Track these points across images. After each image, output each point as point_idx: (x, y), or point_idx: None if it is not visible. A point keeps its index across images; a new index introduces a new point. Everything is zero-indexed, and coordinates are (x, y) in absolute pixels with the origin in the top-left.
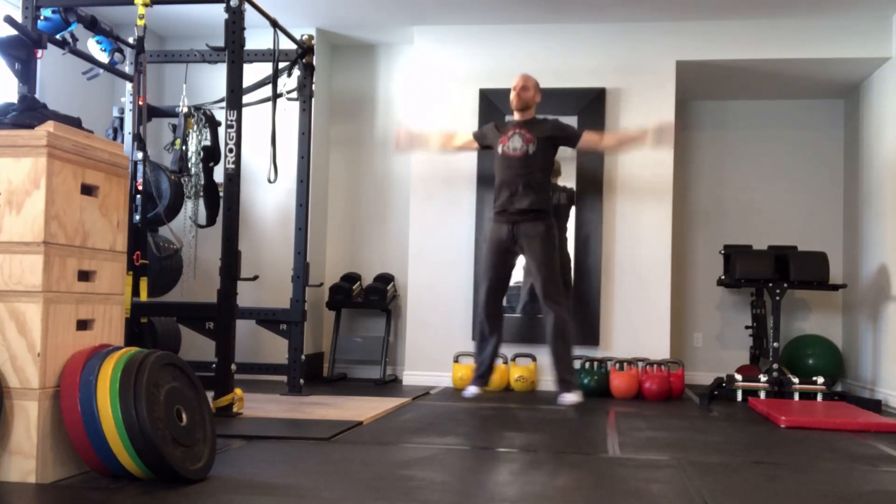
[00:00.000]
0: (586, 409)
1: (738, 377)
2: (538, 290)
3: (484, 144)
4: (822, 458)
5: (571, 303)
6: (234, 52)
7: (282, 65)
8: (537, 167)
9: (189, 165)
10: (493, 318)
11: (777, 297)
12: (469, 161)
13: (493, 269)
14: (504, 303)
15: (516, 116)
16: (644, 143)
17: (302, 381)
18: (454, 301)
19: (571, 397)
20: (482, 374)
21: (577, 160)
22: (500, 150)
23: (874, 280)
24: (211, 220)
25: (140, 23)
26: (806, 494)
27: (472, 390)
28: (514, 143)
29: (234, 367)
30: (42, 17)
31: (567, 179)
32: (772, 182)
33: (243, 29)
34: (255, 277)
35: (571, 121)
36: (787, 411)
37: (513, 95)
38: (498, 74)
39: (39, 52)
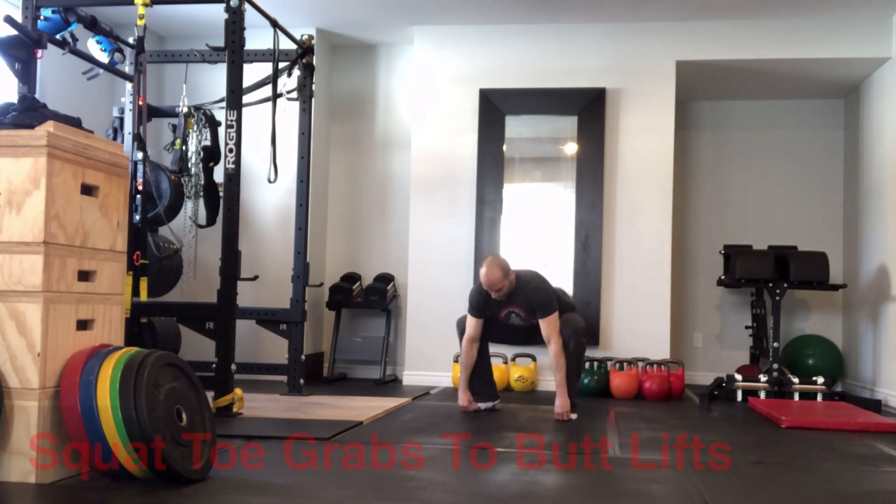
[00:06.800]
0: (586, 409)
1: (738, 377)
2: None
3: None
4: (822, 458)
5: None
6: (234, 52)
7: (282, 65)
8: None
9: (189, 165)
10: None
11: (777, 297)
12: (469, 161)
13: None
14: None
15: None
16: (559, 404)
17: (302, 381)
18: (454, 301)
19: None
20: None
21: (576, 160)
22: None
23: (874, 280)
24: (211, 220)
25: (140, 23)
26: (806, 494)
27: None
28: (514, 322)
29: (234, 367)
30: (42, 17)
31: (567, 178)
32: (772, 182)
33: (243, 29)
34: (255, 277)
35: (571, 121)
36: (788, 411)
37: (493, 295)
38: (498, 74)
39: (39, 52)
